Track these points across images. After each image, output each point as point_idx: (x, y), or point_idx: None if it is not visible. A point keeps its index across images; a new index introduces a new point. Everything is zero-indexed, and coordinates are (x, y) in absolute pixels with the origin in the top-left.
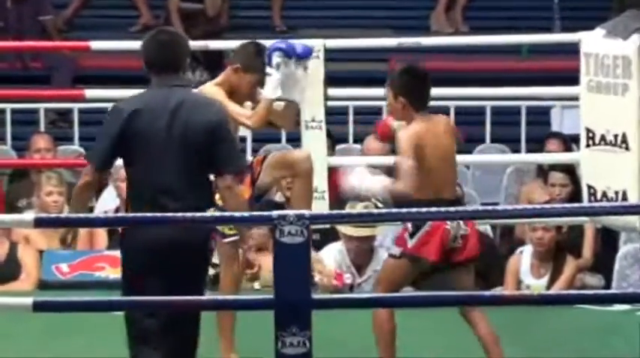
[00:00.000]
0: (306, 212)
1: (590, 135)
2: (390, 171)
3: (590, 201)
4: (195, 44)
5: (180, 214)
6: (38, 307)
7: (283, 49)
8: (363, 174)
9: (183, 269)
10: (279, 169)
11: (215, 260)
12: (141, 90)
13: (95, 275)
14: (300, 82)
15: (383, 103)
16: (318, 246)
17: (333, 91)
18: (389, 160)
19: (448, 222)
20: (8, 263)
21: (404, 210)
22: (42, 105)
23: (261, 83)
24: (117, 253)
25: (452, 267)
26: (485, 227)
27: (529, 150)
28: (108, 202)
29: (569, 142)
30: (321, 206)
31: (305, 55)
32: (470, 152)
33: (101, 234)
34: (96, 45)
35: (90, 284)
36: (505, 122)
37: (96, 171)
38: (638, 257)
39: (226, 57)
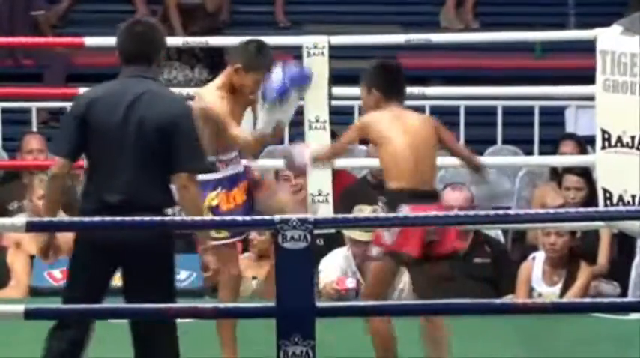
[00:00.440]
0: (309, 216)
1: (606, 136)
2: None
3: (605, 205)
4: (194, 40)
5: (174, 218)
6: (31, 314)
7: (280, 90)
8: (302, 149)
9: (138, 272)
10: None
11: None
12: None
13: None
14: (293, 104)
15: None
16: (323, 252)
17: (337, 90)
18: None
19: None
20: None
21: (411, 214)
22: (34, 104)
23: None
24: None
25: (430, 261)
26: (496, 232)
27: (542, 152)
28: None
29: (584, 144)
30: (325, 210)
31: (303, 83)
32: (481, 154)
33: None
34: (90, 41)
35: None
36: (517, 123)
37: (62, 161)
38: None
39: (227, 54)
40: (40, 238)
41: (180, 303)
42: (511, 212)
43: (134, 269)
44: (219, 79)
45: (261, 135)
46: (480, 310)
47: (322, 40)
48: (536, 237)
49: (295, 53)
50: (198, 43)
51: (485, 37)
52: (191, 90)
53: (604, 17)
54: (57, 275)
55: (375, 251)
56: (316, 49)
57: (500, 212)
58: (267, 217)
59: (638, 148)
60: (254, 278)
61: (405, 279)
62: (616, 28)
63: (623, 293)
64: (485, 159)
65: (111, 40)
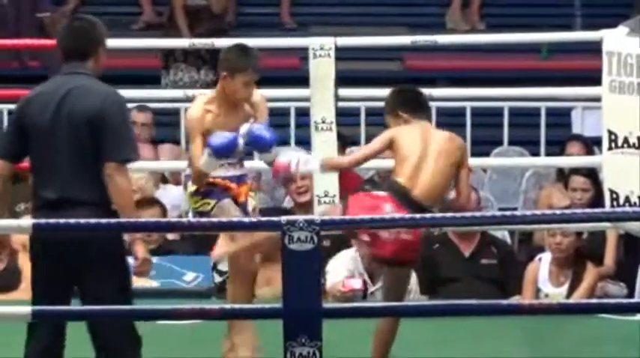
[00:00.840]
0: (316, 217)
1: (613, 137)
2: None
3: (612, 206)
4: (200, 42)
5: (179, 220)
6: (37, 316)
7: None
8: (294, 154)
9: (88, 271)
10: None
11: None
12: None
13: None
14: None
15: None
16: (329, 253)
17: (344, 91)
18: None
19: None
20: (8, 271)
21: (417, 215)
22: None
23: (255, 82)
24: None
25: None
26: (502, 233)
27: (549, 154)
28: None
29: (591, 145)
30: None
31: (260, 146)
32: (487, 155)
33: None
34: None
35: None
36: (524, 124)
37: (1, 162)
38: None
39: None
40: None
41: (188, 304)
42: (518, 213)
43: (84, 268)
44: (214, 92)
45: (198, 169)
46: (486, 311)
47: (328, 42)
48: (542, 238)
49: (301, 54)
50: (204, 44)
51: (492, 39)
52: (197, 92)
53: (610, 18)
54: None
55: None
56: (322, 50)
57: (507, 213)
58: (273, 218)
59: None
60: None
61: (413, 279)
62: (622, 29)
63: (630, 294)
64: (491, 161)
65: (116, 42)
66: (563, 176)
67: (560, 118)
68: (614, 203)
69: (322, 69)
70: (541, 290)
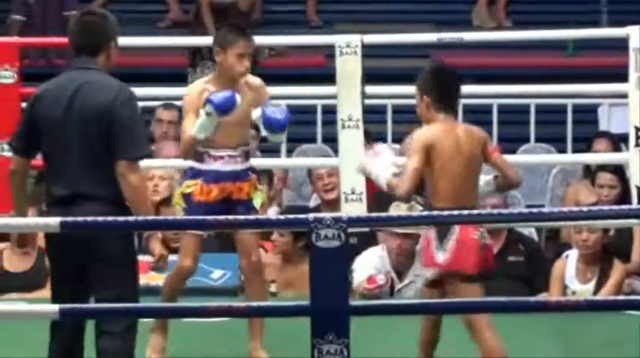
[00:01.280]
0: (343, 214)
1: (639, 134)
2: None
3: (639, 202)
4: None
5: (204, 217)
6: (65, 314)
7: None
8: (380, 156)
9: (99, 268)
10: None
11: None
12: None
13: None
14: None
15: None
16: (357, 251)
17: (370, 89)
18: None
19: (474, 233)
20: (35, 270)
21: (445, 212)
22: None
23: (249, 54)
24: (145, 258)
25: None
26: (529, 230)
27: (576, 150)
28: None
29: (618, 142)
30: (358, 208)
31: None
32: (514, 152)
33: None
34: (123, 41)
35: None
36: (550, 121)
37: (16, 158)
38: None
39: (260, 54)
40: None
41: (215, 302)
42: (545, 210)
43: (95, 266)
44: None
45: (191, 137)
46: (514, 308)
47: (355, 39)
48: (569, 235)
49: (327, 52)
50: None
51: (518, 36)
52: None
53: (637, 15)
54: None
55: (429, 273)
56: (349, 47)
57: (534, 210)
58: (301, 216)
59: None
60: (273, 281)
61: None
62: None
63: None
64: (518, 158)
65: (143, 40)
66: (590, 173)
67: (586, 115)
68: None
69: (349, 66)
70: (568, 287)
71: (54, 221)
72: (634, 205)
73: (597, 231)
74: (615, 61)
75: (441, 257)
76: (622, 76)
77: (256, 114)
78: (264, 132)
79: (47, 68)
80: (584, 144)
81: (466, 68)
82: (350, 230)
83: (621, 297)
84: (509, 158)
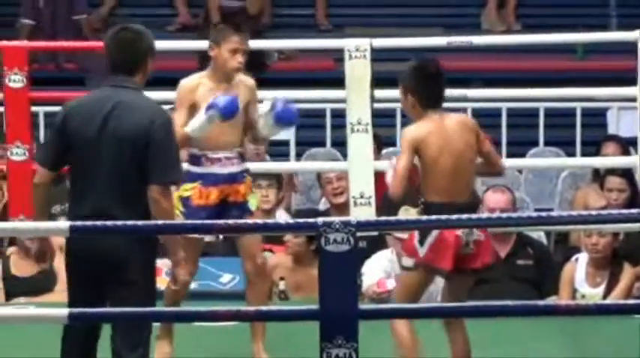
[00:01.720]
0: (352, 218)
1: None
2: None
3: None
4: None
5: (214, 221)
6: (74, 318)
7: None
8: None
9: (115, 280)
10: None
11: None
12: None
13: None
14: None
15: None
16: (366, 255)
17: (380, 93)
18: None
19: (461, 230)
20: (44, 274)
21: (454, 216)
22: None
23: (243, 51)
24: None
25: (460, 274)
26: (538, 234)
27: (584, 154)
28: None
29: (627, 145)
30: (367, 212)
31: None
32: (523, 156)
33: None
34: None
35: None
36: (559, 124)
37: (41, 170)
38: None
39: (268, 57)
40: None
41: (224, 306)
42: (554, 214)
43: (111, 277)
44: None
45: (182, 135)
46: (523, 312)
47: (364, 43)
48: (578, 239)
49: (337, 56)
50: None
51: (527, 39)
52: None
53: None
54: None
55: (407, 261)
56: (358, 51)
57: (543, 214)
58: (310, 220)
59: None
60: (282, 278)
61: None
62: None
63: None
64: (527, 161)
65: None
66: (598, 176)
67: (595, 119)
68: None
69: (358, 70)
70: (577, 290)
71: (64, 225)
72: None
73: (607, 235)
74: (624, 64)
75: (421, 251)
76: (631, 80)
77: (265, 107)
78: (266, 126)
79: (56, 72)
80: (593, 147)
81: (475, 72)
82: (359, 234)
83: (631, 301)
84: (518, 162)
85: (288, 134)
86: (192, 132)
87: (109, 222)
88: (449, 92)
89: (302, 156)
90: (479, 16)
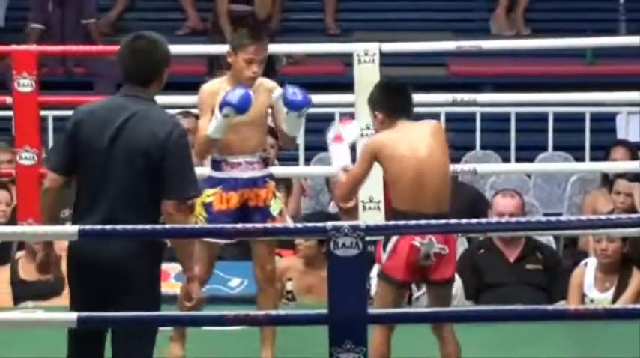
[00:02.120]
0: (361, 223)
1: None
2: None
3: None
4: None
5: (222, 226)
6: (83, 322)
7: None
8: (344, 140)
9: (117, 289)
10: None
11: None
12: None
13: None
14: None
15: (441, 109)
16: (374, 259)
17: None
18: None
19: (417, 239)
20: (53, 278)
21: (464, 221)
22: None
23: (260, 60)
24: (166, 266)
25: (429, 284)
26: (547, 238)
27: (593, 159)
28: None
29: (636, 150)
30: (376, 217)
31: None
32: (532, 160)
33: None
34: None
35: None
36: (568, 129)
37: (53, 175)
38: None
39: (278, 62)
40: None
41: (233, 310)
42: (563, 218)
43: (116, 287)
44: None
45: (206, 137)
46: (532, 316)
47: (373, 47)
48: (587, 243)
49: (346, 60)
50: None
51: (536, 44)
52: None
53: None
54: None
55: (375, 269)
56: (367, 56)
57: (552, 218)
58: (319, 224)
59: None
60: (289, 279)
61: (458, 284)
62: None
63: None
64: (536, 166)
65: None
66: (607, 181)
67: (604, 123)
68: None
69: (367, 75)
70: (586, 295)
71: (72, 229)
72: None
73: (616, 241)
74: (634, 69)
75: (383, 257)
76: None
77: (276, 94)
78: (285, 119)
79: (65, 76)
80: (601, 152)
81: (484, 76)
82: (368, 238)
83: None
84: (527, 166)
85: (297, 138)
86: (213, 133)
87: (118, 226)
88: (458, 97)
89: (311, 160)
90: (488, 21)
